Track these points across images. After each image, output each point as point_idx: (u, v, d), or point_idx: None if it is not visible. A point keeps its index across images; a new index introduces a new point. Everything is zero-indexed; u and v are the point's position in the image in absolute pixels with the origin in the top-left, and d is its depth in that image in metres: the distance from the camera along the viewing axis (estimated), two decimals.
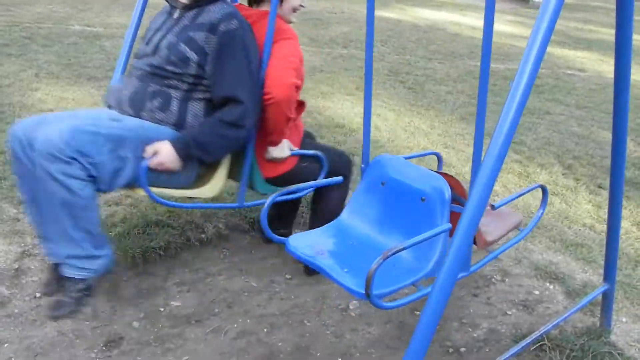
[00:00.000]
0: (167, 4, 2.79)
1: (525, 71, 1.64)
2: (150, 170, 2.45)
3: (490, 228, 2.44)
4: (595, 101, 7.36)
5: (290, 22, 2.89)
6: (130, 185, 2.52)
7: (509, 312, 2.95)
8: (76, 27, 9.51)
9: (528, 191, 2.51)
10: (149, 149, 2.45)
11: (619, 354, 2.60)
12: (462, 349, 2.67)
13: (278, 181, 2.93)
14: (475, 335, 2.78)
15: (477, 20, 14.50)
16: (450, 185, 2.29)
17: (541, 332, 2.56)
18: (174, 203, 2.80)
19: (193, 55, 2.54)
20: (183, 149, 2.48)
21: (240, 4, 2.96)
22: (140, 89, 2.57)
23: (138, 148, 2.44)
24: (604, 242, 3.55)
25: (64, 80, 6.41)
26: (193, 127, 2.59)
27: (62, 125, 2.28)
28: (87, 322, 2.70)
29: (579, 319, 2.89)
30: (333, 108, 6.04)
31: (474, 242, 2.33)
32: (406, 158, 2.59)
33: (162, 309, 2.83)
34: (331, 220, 2.59)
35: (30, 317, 2.70)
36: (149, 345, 2.58)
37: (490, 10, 1.93)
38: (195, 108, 2.62)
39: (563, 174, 4.83)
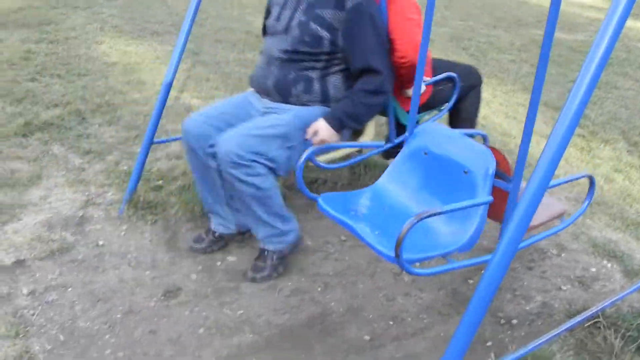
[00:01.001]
0: None
1: (601, 45, 1.58)
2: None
3: None
4: None
5: None
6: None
7: (564, 288, 2.92)
8: None
9: (575, 179, 2.45)
10: (310, 131, 2.72)
11: None
12: (514, 321, 2.66)
13: (420, 110, 3.10)
14: (527, 308, 2.76)
15: None
16: (496, 160, 2.23)
17: (598, 309, 2.51)
18: (332, 165, 2.93)
19: (325, 34, 2.71)
20: (337, 123, 2.72)
21: None
22: (282, 78, 2.80)
23: (300, 135, 2.73)
24: None
25: (127, 34, 6.52)
26: (337, 98, 2.82)
27: (235, 136, 2.58)
28: (147, 272, 2.79)
29: (637, 299, 2.83)
30: None
31: None
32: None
33: (219, 263, 2.90)
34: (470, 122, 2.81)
35: (93, 264, 2.80)
36: (206, 298, 2.66)
37: None
38: (334, 81, 2.82)
39: (628, 151, 4.69)
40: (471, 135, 2.61)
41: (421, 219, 1.78)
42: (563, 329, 2.38)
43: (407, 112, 3.04)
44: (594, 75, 1.61)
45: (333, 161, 3.03)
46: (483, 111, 5.17)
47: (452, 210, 1.90)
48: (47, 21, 6.65)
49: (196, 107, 4.63)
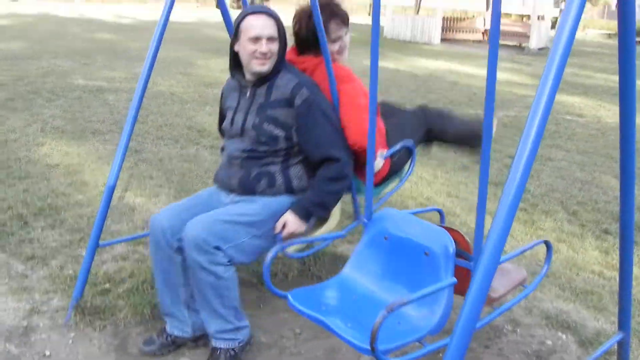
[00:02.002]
0: (233, 80, 3.01)
1: (534, 122, 1.66)
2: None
3: (495, 284, 2.42)
4: (595, 146, 7.41)
5: (340, 61, 3.11)
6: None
7: None
8: (80, 82, 9.65)
9: (532, 247, 2.50)
10: (278, 225, 2.78)
11: None
12: None
13: (381, 182, 3.20)
14: None
15: (474, 68, 14.70)
16: (454, 239, 2.27)
17: None
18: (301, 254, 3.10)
19: (279, 132, 2.81)
20: (303, 213, 2.79)
21: (292, 51, 3.13)
22: (245, 176, 2.87)
23: (268, 224, 2.78)
24: (614, 288, 3.54)
25: (69, 134, 6.48)
26: (301, 188, 2.90)
27: (203, 221, 2.64)
28: None
29: None
30: None
31: None
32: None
33: None
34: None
35: None
36: None
37: (493, 59, 1.93)
38: (296, 172, 2.90)
39: (568, 221, 4.83)
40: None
41: (391, 311, 1.82)
42: None
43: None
44: (532, 149, 1.66)
45: (301, 250, 3.07)
46: (425, 192, 5.28)
47: (418, 298, 1.93)
48: None
49: (140, 205, 4.59)
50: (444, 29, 23.16)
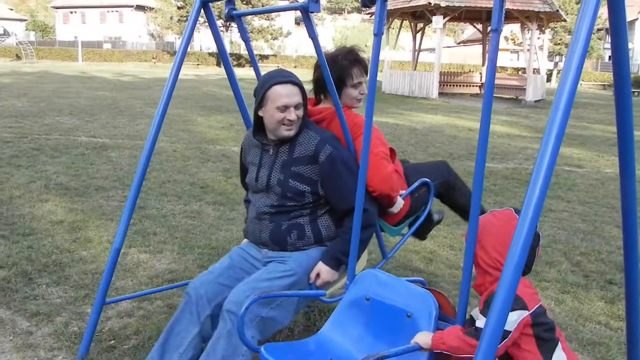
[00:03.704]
0: (253, 139, 3.11)
1: (539, 176, 1.68)
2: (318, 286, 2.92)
3: None
4: (596, 196, 7.45)
5: (355, 107, 3.30)
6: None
7: None
8: (83, 138, 9.76)
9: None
10: (312, 276, 2.92)
11: None
12: None
13: (402, 220, 3.36)
14: None
15: (473, 122, 14.88)
16: (438, 302, 2.26)
17: None
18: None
19: (305, 188, 2.94)
20: (334, 263, 2.92)
21: (309, 102, 3.15)
22: (276, 230, 3.00)
23: (305, 280, 2.92)
24: (622, 339, 3.52)
25: (72, 191, 6.53)
26: (330, 237, 3.04)
27: (246, 289, 2.69)
28: None
29: None
30: None
31: None
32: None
33: None
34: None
35: None
36: None
37: (487, 115, 1.98)
38: (324, 222, 3.04)
39: (572, 271, 4.83)
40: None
41: None
42: None
43: (393, 225, 3.33)
44: (537, 204, 1.67)
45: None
46: (429, 246, 5.29)
47: (395, 354, 1.90)
48: None
49: (144, 262, 4.59)
50: (442, 84, 23.55)
